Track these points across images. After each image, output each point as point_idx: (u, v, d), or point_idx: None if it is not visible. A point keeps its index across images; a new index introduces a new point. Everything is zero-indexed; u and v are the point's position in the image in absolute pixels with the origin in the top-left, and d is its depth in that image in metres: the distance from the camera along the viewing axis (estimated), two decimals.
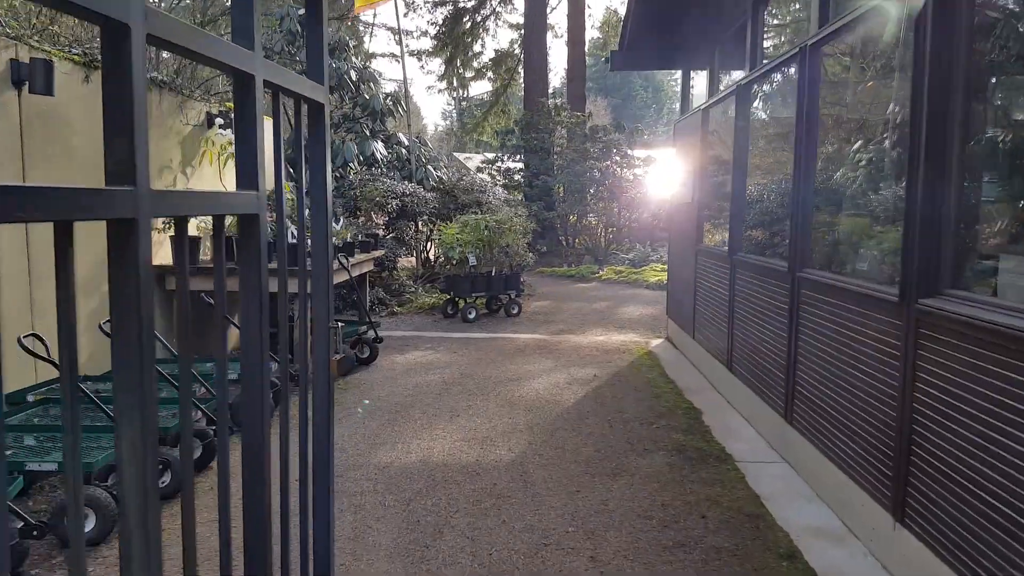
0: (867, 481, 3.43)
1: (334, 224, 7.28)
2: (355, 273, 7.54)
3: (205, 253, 6.60)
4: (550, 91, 23.03)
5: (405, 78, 12.72)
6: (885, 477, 3.27)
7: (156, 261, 6.14)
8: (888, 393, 3.26)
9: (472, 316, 9.57)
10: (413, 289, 10.54)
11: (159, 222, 6.02)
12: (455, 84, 32.45)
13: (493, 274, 10.01)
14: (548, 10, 25.80)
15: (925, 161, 2.93)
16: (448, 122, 55.93)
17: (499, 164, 19.29)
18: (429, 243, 11.72)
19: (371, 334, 6.99)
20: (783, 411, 4.60)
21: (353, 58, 11.96)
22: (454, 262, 9.64)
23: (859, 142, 4.07)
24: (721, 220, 6.72)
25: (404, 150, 11.89)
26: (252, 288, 1.48)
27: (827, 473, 3.90)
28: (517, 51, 27.92)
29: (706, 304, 6.67)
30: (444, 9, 28.02)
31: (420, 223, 10.88)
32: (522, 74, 24.06)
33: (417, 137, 12.94)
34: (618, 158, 17.71)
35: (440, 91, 46.01)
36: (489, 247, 10.04)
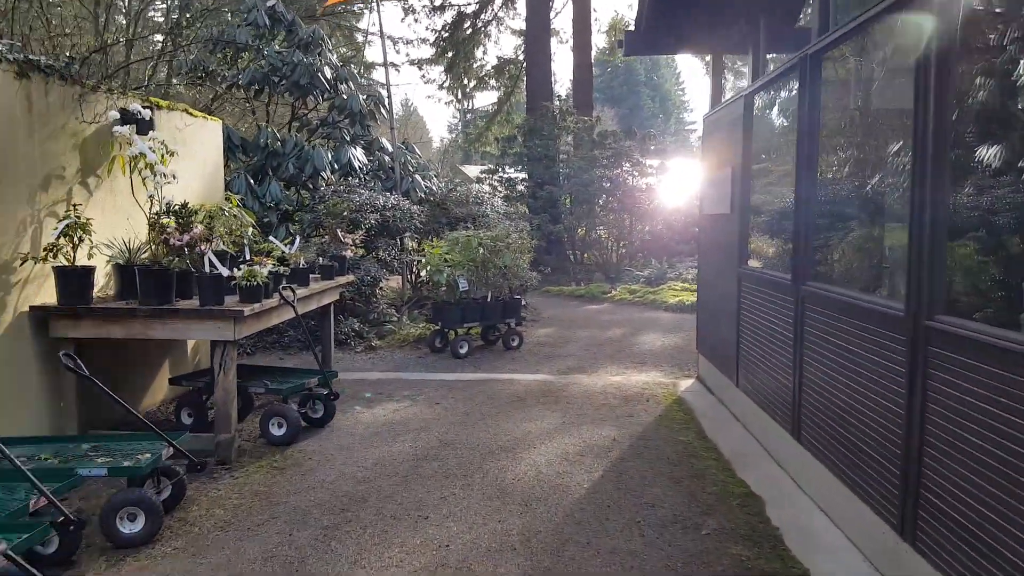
0: None
1: (283, 248, 5.83)
2: (311, 307, 6.08)
3: (107, 289, 5.17)
4: (555, 98, 21.68)
5: (387, 72, 11.31)
6: None
7: (37, 300, 4.71)
8: None
9: (463, 351, 8.09)
10: (396, 318, 9.08)
11: (40, 249, 4.59)
12: (458, 95, 31.28)
13: (489, 300, 8.55)
14: (552, 14, 24.53)
15: None
16: (454, 135, 54.86)
17: (500, 174, 17.86)
18: (416, 263, 10.27)
19: (331, 388, 5.52)
20: (897, 521, 3.10)
21: (329, 54, 10.58)
22: (442, 287, 8.19)
23: None
24: (777, 236, 5.25)
25: (388, 157, 10.47)
26: None
27: None
28: (521, 58, 26.65)
29: (756, 344, 5.18)
30: (444, 15, 26.79)
31: (406, 239, 9.44)
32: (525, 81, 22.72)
33: (404, 143, 11.53)
34: (628, 166, 16.25)
35: (439, 100, 44.79)
36: (484, 268, 8.59)
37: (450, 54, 27.78)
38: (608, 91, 60.03)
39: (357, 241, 7.39)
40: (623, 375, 7.26)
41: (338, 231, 6.88)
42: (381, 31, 11.57)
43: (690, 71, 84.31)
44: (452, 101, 32.24)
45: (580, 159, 16.56)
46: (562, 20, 26.27)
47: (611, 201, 16.17)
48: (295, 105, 11.23)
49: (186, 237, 4.45)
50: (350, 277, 7.09)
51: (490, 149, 31.14)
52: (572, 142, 18.17)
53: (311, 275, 6.24)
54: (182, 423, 5.57)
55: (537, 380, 7.00)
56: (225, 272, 4.99)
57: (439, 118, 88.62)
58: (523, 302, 9.15)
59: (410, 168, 10.81)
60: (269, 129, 10.02)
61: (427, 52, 28.54)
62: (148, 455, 3.58)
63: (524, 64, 23.26)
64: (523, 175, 17.90)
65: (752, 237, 5.67)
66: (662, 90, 67.87)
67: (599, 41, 42.99)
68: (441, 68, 28.82)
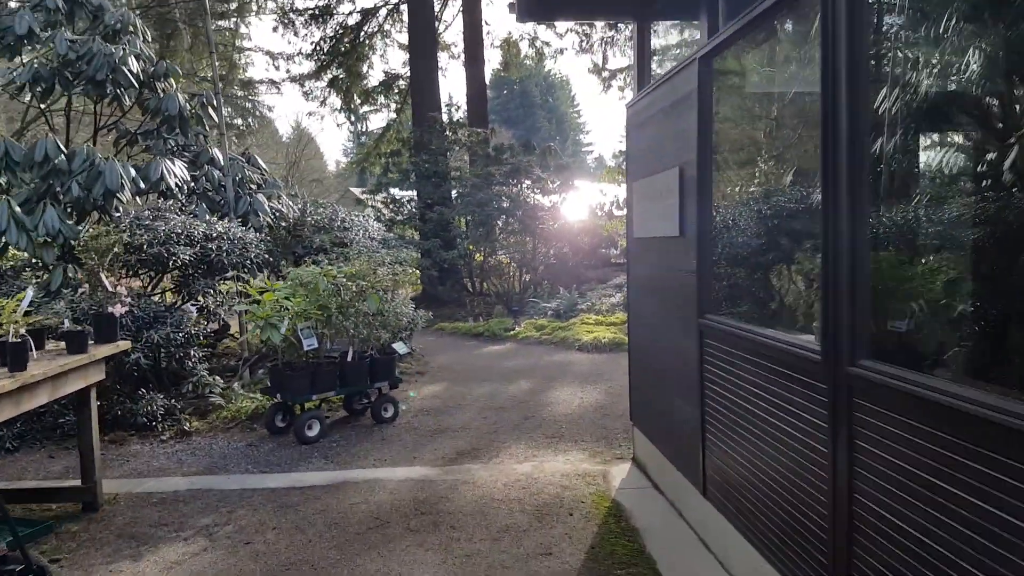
0: None
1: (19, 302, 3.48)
2: (35, 401, 3.70)
3: None
4: (444, 110, 19.68)
5: (213, 59, 8.92)
6: None
7: None
8: None
9: (313, 433, 5.84)
10: (223, 387, 6.69)
11: None
12: (350, 116, 28.94)
13: (351, 359, 6.35)
14: (442, 27, 22.80)
15: None
16: (349, 158, 52.39)
17: (384, 194, 15.68)
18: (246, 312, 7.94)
19: (28, 557, 3.17)
20: None
21: (141, 43, 8.15)
22: (280, 346, 5.92)
23: None
24: (774, 273, 3.42)
25: (219, 173, 8.10)
26: None
27: None
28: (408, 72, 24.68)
29: (740, 440, 3.29)
30: (325, 28, 24.42)
31: (244, 278, 7.11)
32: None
33: (243, 154, 9.16)
34: (529, 182, 14.47)
35: (322, 117, 42.82)
36: (343, 315, 6.40)
37: (333, 69, 25.62)
38: (504, 112, 59.10)
39: (162, 284, 5.09)
40: (533, 460, 5.26)
41: (102, 275, 4.54)
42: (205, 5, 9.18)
43: (585, 93, 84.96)
44: (344, 123, 29.81)
45: (475, 176, 14.64)
46: (453, 34, 24.59)
47: (511, 222, 14.30)
48: (97, 110, 8.68)
49: None
50: (125, 344, 4.72)
51: (379, 169, 28.85)
52: (467, 159, 16.25)
53: (27, 350, 3.88)
54: None
55: (412, 479, 4.87)
56: None
57: (334, 142, 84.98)
58: (402, 353, 7.01)
59: (251, 186, 8.47)
60: (49, 138, 7.46)
61: (308, 67, 26.20)
62: None
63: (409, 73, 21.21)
64: (411, 193, 15.81)
65: (744, 274, 3.82)
66: (558, 112, 67.63)
67: (493, 57, 41.69)
68: (323, 83, 26.52)
